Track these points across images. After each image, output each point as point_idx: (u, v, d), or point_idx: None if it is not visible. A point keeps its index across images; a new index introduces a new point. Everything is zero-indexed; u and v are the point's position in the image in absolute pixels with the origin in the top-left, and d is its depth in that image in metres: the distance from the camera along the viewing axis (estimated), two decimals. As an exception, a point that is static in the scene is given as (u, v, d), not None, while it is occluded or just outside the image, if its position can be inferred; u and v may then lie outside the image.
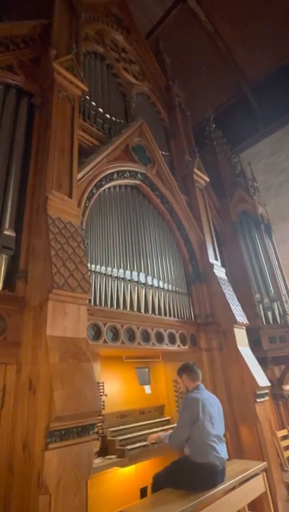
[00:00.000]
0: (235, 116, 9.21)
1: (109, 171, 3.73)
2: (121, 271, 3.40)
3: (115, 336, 3.01)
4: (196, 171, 5.12)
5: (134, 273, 3.54)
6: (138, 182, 4.22)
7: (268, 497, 2.79)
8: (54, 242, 2.47)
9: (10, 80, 3.41)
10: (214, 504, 2.34)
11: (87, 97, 4.20)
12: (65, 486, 1.78)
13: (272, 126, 8.60)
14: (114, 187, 3.94)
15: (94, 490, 2.34)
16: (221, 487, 2.42)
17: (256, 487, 2.75)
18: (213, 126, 7.26)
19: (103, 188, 3.66)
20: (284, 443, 3.99)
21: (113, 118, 4.53)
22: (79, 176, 3.24)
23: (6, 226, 2.67)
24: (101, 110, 4.36)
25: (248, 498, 2.69)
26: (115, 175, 3.85)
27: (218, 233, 5.48)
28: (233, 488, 2.55)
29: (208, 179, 5.37)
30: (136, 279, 3.52)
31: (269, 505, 2.76)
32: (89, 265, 3.02)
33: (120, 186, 4.04)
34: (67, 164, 3.09)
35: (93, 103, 4.29)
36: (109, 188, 3.83)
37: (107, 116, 4.45)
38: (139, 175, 4.21)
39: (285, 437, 4.11)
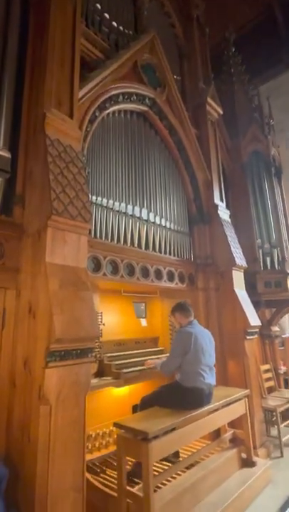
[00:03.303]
0: (258, 41, 8.11)
1: (115, 92, 3.33)
2: (123, 205, 3.26)
3: (115, 269, 3.00)
4: (209, 100, 4.63)
5: (137, 208, 3.40)
6: (145, 108, 3.82)
7: (247, 418, 3.09)
8: (53, 166, 2.28)
9: None
10: (199, 421, 2.58)
11: (91, -4, 3.55)
12: (64, 400, 1.90)
13: (298, 56, 7.65)
14: (119, 112, 3.57)
15: (91, 405, 2.54)
16: (206, 408, 2.65)
17: (238, 409, 3.04)
18: (233, 50, 6.42)
19: (107, 112, 3.31)
20: (265, 375, 4.35)
21: (120, 28, 3.91)
22: (81, 93, 2.89)
23: (0, 146, 2.43)
24: (107, 16, 3.73)
25: (229, 418, 2.99)
26: (121, 97, 3.45)
27: (225, 173, 5.20)
28: (217, 409, 2.80)
29: (221, 111, 4.90)
30: (138, 215, 3.39)
31: (247, 424, 3.07)
32: (89, 196, 2.86)
33: (126, 112, 3.66)
34: (68, 78, 2.71)
35: (98, 5, 3.65)
36: (113, 112, 3.47)
37: (114, 24, 3.82)
38: (147, 100, 3.79)
39: (266, 371, 4.45)
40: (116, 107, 3.44)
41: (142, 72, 3.76)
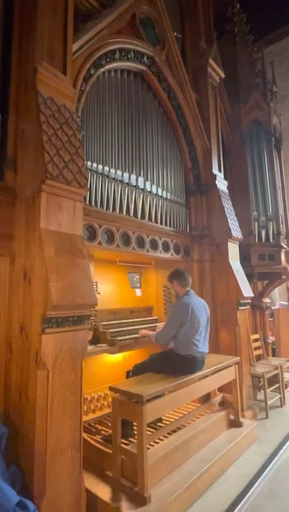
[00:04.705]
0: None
1: (111, 47, 3.09)
2: (119, 172, 3.15)
3: (110, 238, 2.96)
4: (211, 62, 4.36)
5: (133, 176, 3.30)
6: (143, 68, 3.58)
7: (237, 383, 3.23)
8: (46, 127, 2.15)
9: None
10: (191, 386, 2.68)
11: None
12: (61, 364, 1.92)
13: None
14: (116, 71, 3.34)
15: (87, 371, 2.59)
16: (198, 373, 2.75)
17: (228, 375, 3.16)
18: (238, 6, 5.97)
19: (102, 70, 3.09)
20: (255, 344, 4.51)
21: (117, -27, 3.56)
22: (75, 47, 2.67)
23: (-11, 103, 2.27)
24: None
25: (219, 383, 3.12)
26: (117, 53, 3.21)
27: (224, 143, 5.04)
28: (209, 375, 2.90)
29: (223, 75, 4.64)
30: (134, 183, 3.30)
31: (236, 389, 3.21)
32: (85, 161, 2.74)
33: (122, 71, 3.43)
34: (61, 28, 2.48)
35: None
36: (109, 71, 3.25)
37: None
38: (145, 58, 3.55)
39: (256, 340, 4.62)
40: (112, 65, 3.21)
41: (141, 27, 3.49)
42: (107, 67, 3.15)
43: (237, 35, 5.69)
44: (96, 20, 2.93)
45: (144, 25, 3.53)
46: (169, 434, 2.69)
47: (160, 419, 2.94)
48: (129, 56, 3.37)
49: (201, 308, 2.84)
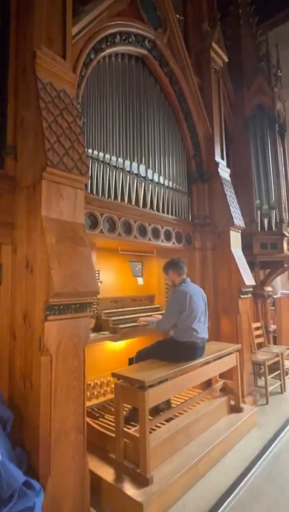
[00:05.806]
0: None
1: (111, 31, 3.02)
2: (120, 160, 3.11)
3: (112, 227, 2.95)
4: (214, 45, 4.25)
5: (134, 164, 3.26)
6: (145, 52, 3.50)
7: (237, 370, 3.27)
8: (46, 113, 2.12)
9: None
10: (192, 372, 2.72)
11: None
12: (64, 351, 1.96)
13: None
14: (116, 56, 3.27)
15: (90, 358, 2.63)
16: (199, 360, 2.78)
17: (229, 362, 3.20)
18: (243, -15, 5.75)
19: (103, 54, 3.02)
20: (256, 332, 4.55)
21: None
22: (74, 30, 2.60)
23: (-13, 89, 2.24)
24: None
25: (220, 370, 3.16)
26: (118, 37, 3.13)
27: (227, 129, 4.95)
28: (210, 362, 2.93)
29: (226, 59, 4.52)
30: (136, 172, 3.27)
31: (237, 375, 3.26)
32: (85, 148, 2.71)
33: (123, 56, 3.35)
34: (60, 10, 2.41)
35: None
36: (109, 55, 3.17)
37: None
38: (146, 42, 3.46)
39: (257, 328, 4.65)
40: (113, 49, 3.14)
41: (142, 9, 3.39)
42: (108, 51, 3.07)
43: (241, 17, 5.51)
44: (96, 2, 2.84)
45: (145, 7, 3.43)
46: (171, 418, 2.75)
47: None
48: (130, 40, 3.29)
49: (198, 294, 2.87)
